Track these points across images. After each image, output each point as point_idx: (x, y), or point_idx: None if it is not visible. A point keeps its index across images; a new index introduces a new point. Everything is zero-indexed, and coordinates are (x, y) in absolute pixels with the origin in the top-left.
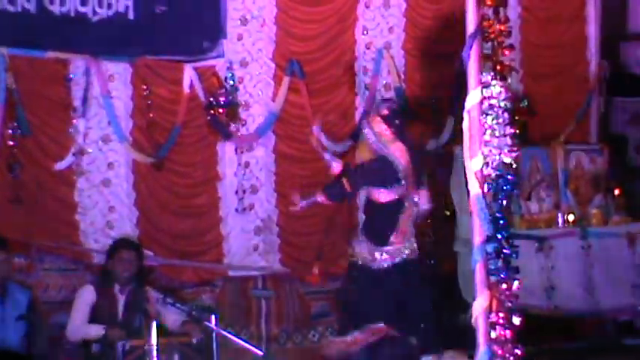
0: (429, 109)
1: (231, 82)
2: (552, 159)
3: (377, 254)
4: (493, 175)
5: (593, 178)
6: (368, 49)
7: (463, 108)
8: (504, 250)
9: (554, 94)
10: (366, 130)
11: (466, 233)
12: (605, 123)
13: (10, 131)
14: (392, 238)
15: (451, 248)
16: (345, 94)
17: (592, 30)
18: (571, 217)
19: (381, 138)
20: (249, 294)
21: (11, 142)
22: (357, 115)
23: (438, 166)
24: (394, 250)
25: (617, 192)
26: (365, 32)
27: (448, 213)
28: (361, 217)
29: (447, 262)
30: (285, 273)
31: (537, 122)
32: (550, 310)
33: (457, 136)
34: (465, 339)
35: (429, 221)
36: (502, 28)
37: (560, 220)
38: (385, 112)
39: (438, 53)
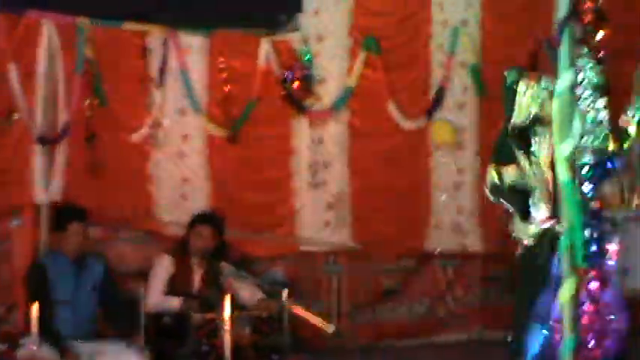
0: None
1: (307, 57)
2: None
3: None
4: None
5: None
6: (444, 26)
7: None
8: (594, 235)
9: None
10: None
11: None
12: None
13: (87, 102)
14: None
15: None
16: (421, 70)
17: None
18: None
19: None
20: (320, 269)
21: (88, 113)
22: (432, 93)
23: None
24: None
25: None
26: (441, 9)
27: None
28: None
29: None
30: (357, 249)
31: None
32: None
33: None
34: None
35: None
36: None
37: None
38: None
39: (515, 32)
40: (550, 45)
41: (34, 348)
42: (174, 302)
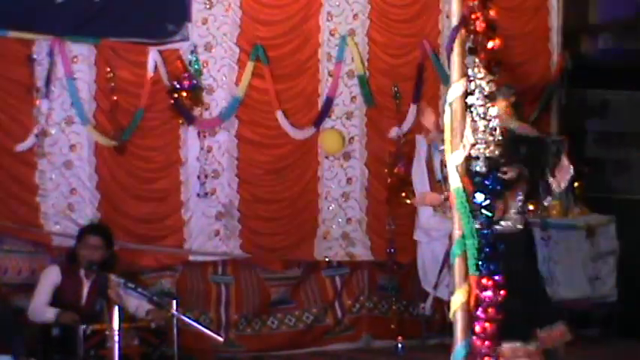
0: (392, 97)
1: (196, 66)
2: None
3: None
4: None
5: None
6: (332, 35)
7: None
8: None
9: (518, 85)
10: None
11: (426, 223)
12: (566, 115)
13: None
14: None
15: (411, 236)
16: (309, 80)
17: (554, 21)
18: (530, 208)
19: None
20: (209, 279)
21: None
22: (320, 102)
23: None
24: None
25: (576, 184)
26: (330, 18)
27: (409, 201)
28: None
29: (407, 251)
30: (246, 259)
31: None
32: None
33: (418, 124)
34: (422, 328)
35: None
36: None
37: None
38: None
39: (401, 41)
40: (436, 55)
41: None
42: (49, 314)
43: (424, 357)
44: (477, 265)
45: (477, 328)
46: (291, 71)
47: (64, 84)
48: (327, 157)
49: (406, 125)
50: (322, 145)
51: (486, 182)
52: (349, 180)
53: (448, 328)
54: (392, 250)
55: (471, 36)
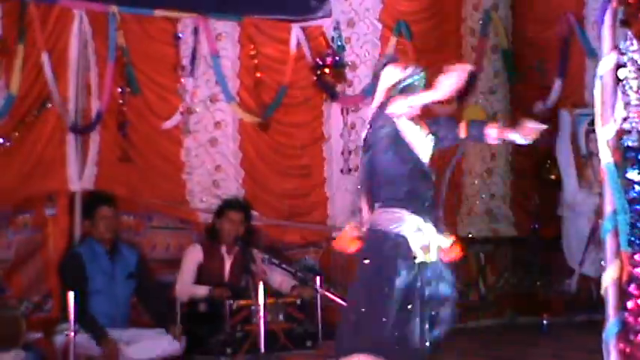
0: (536, 71)
1: (338, 43)
2: None
3: None
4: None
5: None
6: (475, 9)
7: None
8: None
9: None
10: None
11: (571, 198)
12: None
13: (119, 90)
14: None
15: (555, 212)
16: (452, 55)
17: None
18: None
19: None
20: (353, 255)
21: (121, 101)
22: None
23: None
24: None
25: None
26: None
27: (553, 177)
28: None
29: (551, 227)
30: None
31: None
32: None
33: (564, 98)
34: (567, 305)
35: None
36: None
37: None
38: None
39: (547, 15)
40: (581, 28)
41: (71, 334)
42: (202, 291)
43: (570, 334)
44: (630, 240)
45: (630, 305)
46: (434, 46)
47: (208, 62)
48: None
49: (550, 100)
50: (465, 119)
51: (639, 157)
52: (493, 156)
53: (595, 305)
54: (536, 226)
55: (623, 7)
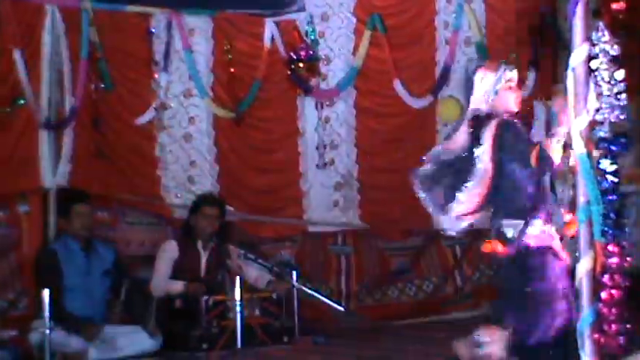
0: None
1: (312, 37)
2: None
3: None
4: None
5: None
6: (448, 2)
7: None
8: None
9: None
10: None
11: None
12: None
13: (93, 86)
14: None
15: None
16: (426, 48)
17: None
18: None
19: None
20: (328, 250)
21: (94, 97)
22: (438, 71)
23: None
24: None
25: None
26: None
27: None
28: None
29: None
30: (365, 229)
31: None
32: None
33: (537, 90)
34: None
35: None
36: None
37: None
38: None
39: (518, 6)
40: (554, 19)
41: (47, 332)
42: (178, 286)
43: None
44: (603, 231)
45: (604, 295)
46: (408, 40)
47: (182, 57)
48: (445, 125)
49: (525, 91)
50: (440, 113)
51: (612, 148)
52: None
53: None
54: None
55: None
